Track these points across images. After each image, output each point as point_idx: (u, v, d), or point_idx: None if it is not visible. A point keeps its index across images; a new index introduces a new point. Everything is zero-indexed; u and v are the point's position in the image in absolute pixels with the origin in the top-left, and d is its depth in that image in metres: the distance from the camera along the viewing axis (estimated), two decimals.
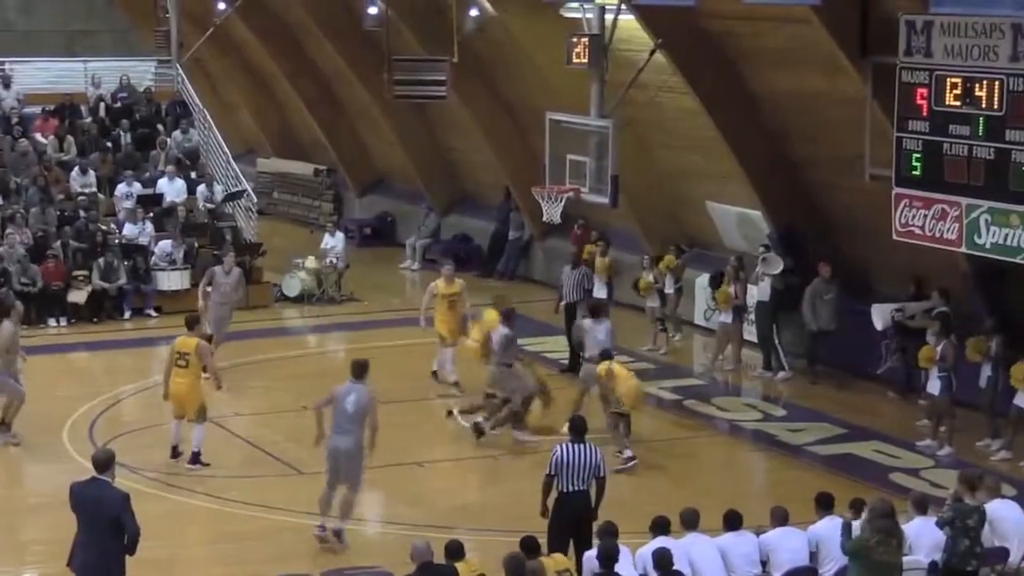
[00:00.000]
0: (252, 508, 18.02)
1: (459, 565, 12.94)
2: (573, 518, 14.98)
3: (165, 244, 29.24)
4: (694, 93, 24.74)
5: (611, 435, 19.60)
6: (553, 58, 26.33)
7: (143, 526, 13.08)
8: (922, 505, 14.48)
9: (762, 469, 20.85)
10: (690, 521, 13.93)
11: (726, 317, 24.94)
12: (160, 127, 33.54)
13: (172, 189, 31.40)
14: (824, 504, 14.28)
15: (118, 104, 34.09)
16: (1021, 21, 18.32)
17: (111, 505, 13.01)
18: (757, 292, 24.60)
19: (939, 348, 20.29)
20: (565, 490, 15.09)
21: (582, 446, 15.21)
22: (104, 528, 13.00)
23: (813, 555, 13.98)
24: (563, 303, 24.98)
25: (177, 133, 33.32)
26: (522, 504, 18.05)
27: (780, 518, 14.19)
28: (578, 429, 15.56)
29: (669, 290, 26.35)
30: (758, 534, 14.13)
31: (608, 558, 12.85)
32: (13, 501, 18.74)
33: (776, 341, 24.51)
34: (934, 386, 20.37)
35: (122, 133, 33.31)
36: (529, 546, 13.20)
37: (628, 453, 19.62)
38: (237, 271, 25.22)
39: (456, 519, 17.60)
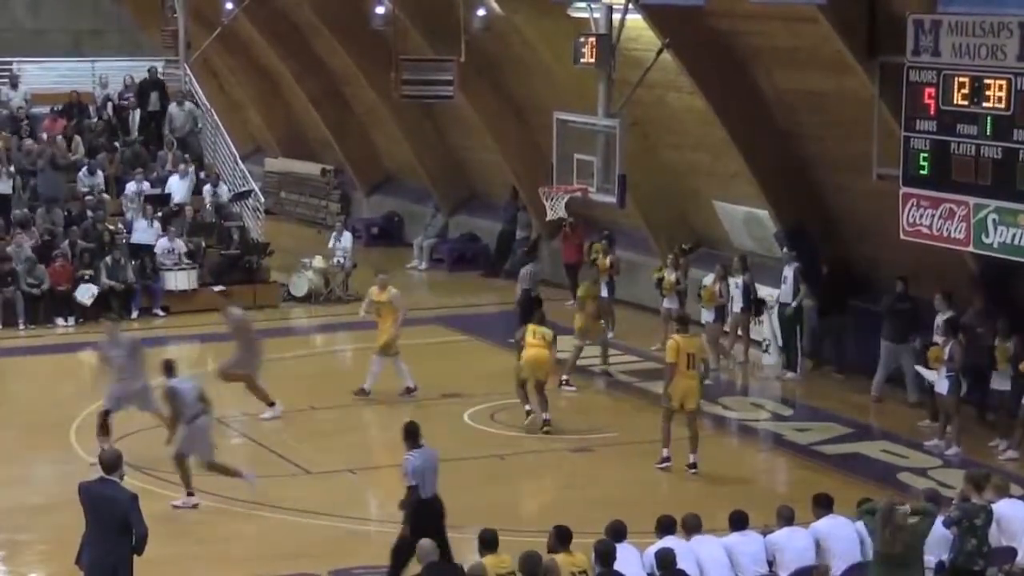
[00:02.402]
0: (260, 508, 18.02)
1: (489, 558, 12.87)
2: (437, 522, 14.97)
3: (163, 242, 29.26)
4: (701, 93, 24.73)
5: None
6: (560, 57, 26.40)
7: (150, 525, 13.10)
8: (935, 503, 14.44)
9: (769, 469, 20.83)
10: (692, 527, 13.89)
11: (709, 316, 24.90)
12: (166, 129, 33.63)
13: (182, 186, 31.43)
14: (823, 504, 14.26)
15: (125, 103, 34.16)
16: None
17: (119, 505, 13.03)
18: (781, 294, 24.50)
19: (947, 348, 20.27)
20: (425, 497, 15.05)
21: (424, 449, 15.21)
22: (112, 528, 13.02)
23: (816, 553, 13.94)
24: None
25: (173, 106, 33.32)
26: (530, 503, 18.10)
27: (786, 517, 14.16)
28: (413, 435, 15.32)
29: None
30: (764, 534, 14.11)
31: (604, 556, 12.82)
32: (20, 500, 18.75)
33: (797, 343, 24.40)
34: (942, 386, 20.33)
35: (130, 112, 33.49)
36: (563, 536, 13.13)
37: (664, 453, 19.64)
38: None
39: (463, 518, 17.56)
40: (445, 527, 14.96)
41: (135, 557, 13.15)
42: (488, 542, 13.06)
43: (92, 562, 13.21)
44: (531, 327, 21.47)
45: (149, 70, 34.22)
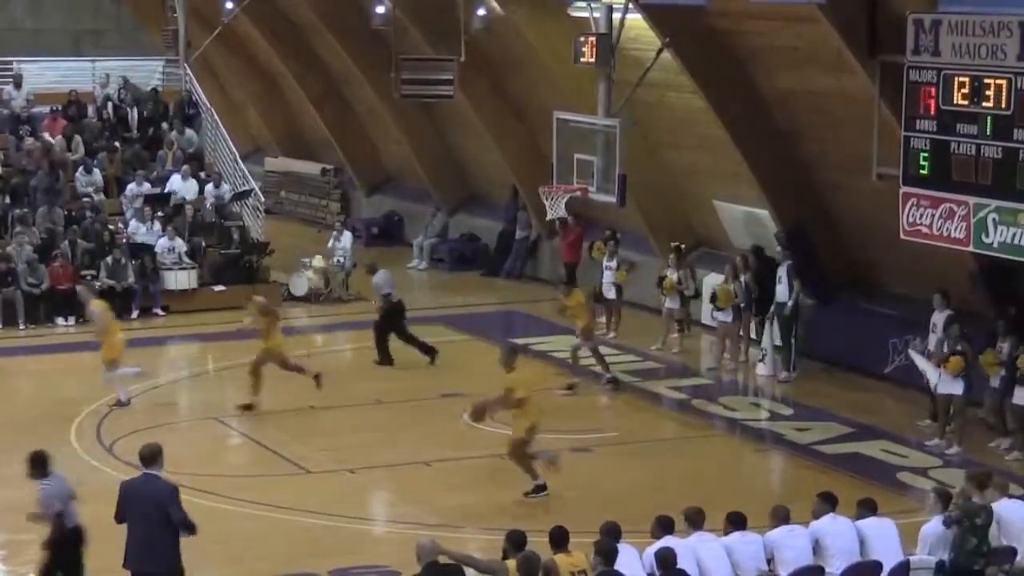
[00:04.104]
0: (260, 507, 18.02)
1: (560, 556, 12.80)
2: (75, 550, 14.44)
3: (164, 241, 29.28)
4: (701, 93, 24.73)
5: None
6: (561, 57, 26.40)
7: None
8: (943, 500, 14.44)
9: (769, 468, 20.84)
10: (695, 520, 13.89)
11: (725, 316, 24.88)
12: (164, 126, 33.63)
13: (185, 187, 31.43)
14: (828, 501, 14.26)
15: (123, 103, 34.17)
16: None
17: (160, 497, 13.30)
18: (778, 293, 24.46)
19: (957, 348, 20.30)
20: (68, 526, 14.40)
21: (56, 476, 14.64)
22: (155, 520, 13.26)
23: (814, 552, 13.93)
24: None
25: (174, 134, 33.31)
26: (529, 503, 18.08)
27: (782, 517, 14.14)
28: (41, 463, 14.60)
29: (689, 292, 26.33)
30: (762, 534, 14.10)
31: (607, 555, 12.78)
32: (18, 500, 18.70)
33: (792, 342, 24.37)
34: (957, 386, 20.27)
35: (128, 112, 33.63)
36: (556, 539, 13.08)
37: (540, 481, 18.49)
38: None
39: (463, 518, 17.61)
40: (83, 555, 14.49)
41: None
42: (558, 539, 12.92)
43: (139, 557, 13.35)
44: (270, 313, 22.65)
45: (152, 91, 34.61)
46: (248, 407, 22.22)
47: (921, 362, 21.05)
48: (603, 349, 24.22)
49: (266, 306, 23.13)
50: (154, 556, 13.30)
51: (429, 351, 25.05)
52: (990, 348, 20.24)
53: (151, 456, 13.53)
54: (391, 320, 25.23)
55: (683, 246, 26.86)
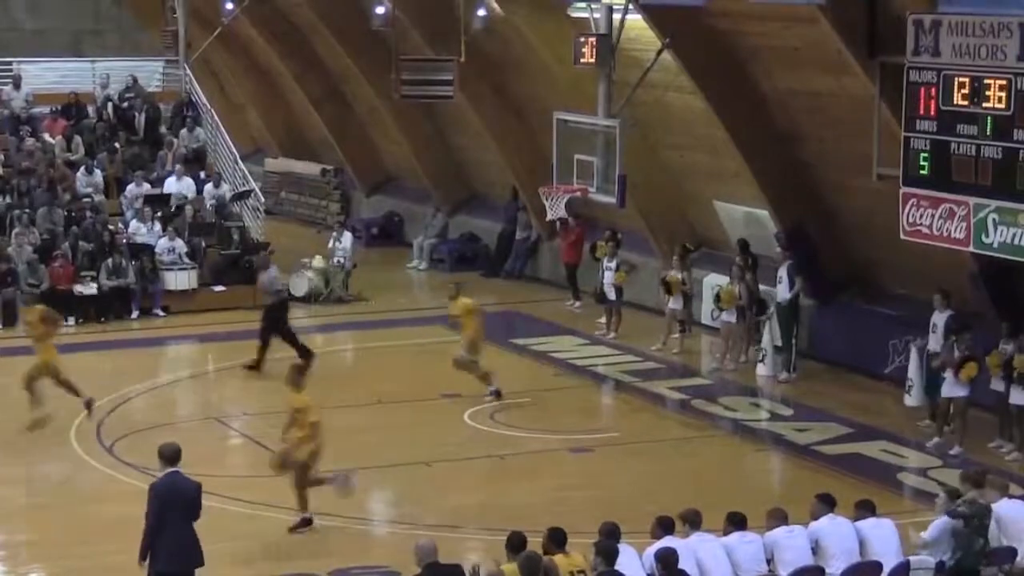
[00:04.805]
0: (260, 508, 18.02)
1: (559, 557, 12.83)
2: None
3: (164, 241, 29.30)
4: (701, 93, 24.73)
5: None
6: (561, 58, 26.42)
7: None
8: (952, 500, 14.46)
9: (769, 469, 20.83)
10: (693, 520, 13.89)
11: (729, 316, 24.87)
12: (163, 129, 33.63)
13: (180, 187, 31.44)
14: (827, 501, 14.26)
15: (125, 104, 34.18)
16: None
17: (191, 491, 13.65)
18: (778, 293, 24.45)
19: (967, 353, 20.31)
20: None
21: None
22: (183, 514, 13.59)
23: (813, 552, 13.93)
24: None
25: (184, 132, 33.38)
26: (529, 503, 18.09)
27: (779, 518, 14.13)
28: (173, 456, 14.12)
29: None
30: (762, 534, 14.10)
31: (608, 555, 12.78)
32: (18, 500, 18.75)
33: (792, 342, 24.36)
34: (963, 388, 20.27)
35: (137, 115, 33.69)
36: (556, 539, 13.08)
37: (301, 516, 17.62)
38: None
39: (463, 519, 17.61)
40: None
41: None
42: (558, 540, 12.90)
43: (179, 557, 13.56)
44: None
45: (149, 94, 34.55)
46: (39, 423, 21.05)
47: (914, 367, 21.04)
48: (604, 349, 24.26)
49: (46, 316, 22.11)
50: (193, 553, 13.62)
51: (306, 353, 24.49)
52: (996, 349, 20.25)
53: (174, 455, 13.79)
54: (279, 316, 24.91)
55: (691, 247, 26.88)
